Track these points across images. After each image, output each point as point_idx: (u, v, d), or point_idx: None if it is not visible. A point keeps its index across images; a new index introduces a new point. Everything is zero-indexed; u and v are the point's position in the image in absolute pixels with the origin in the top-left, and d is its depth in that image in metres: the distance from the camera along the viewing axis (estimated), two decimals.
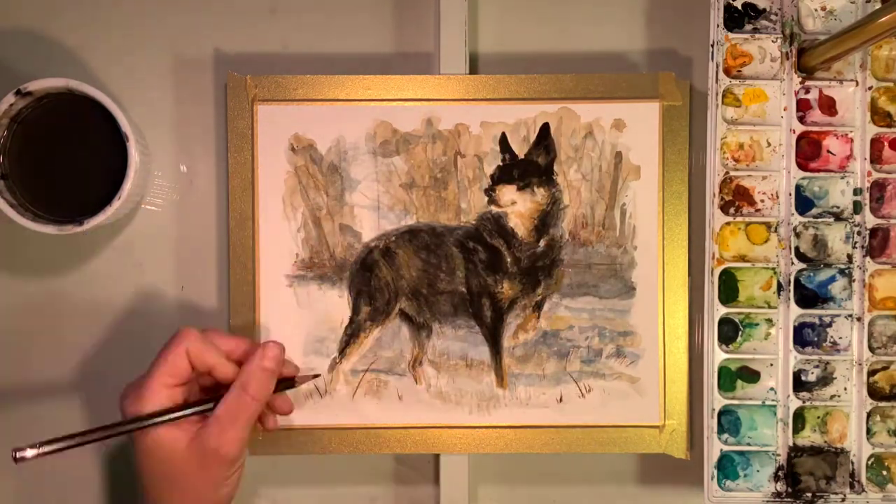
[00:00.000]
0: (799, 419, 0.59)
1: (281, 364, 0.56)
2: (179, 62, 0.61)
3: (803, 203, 0.59)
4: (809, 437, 0.59)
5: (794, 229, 0.59)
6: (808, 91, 0.59)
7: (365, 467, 0.62)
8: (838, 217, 0.59)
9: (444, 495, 0.60)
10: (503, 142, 0.60)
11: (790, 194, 0.59)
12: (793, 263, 0.59)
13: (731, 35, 0.58)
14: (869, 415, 0.59)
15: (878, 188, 0.59)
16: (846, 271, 0.59)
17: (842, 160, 0.59)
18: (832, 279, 0.59)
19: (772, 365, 0.59)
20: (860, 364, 0.59)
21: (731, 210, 0.59)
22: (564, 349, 0.60)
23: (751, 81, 0.59)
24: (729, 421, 0.59)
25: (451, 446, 0.60)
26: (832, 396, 0.59)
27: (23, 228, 0.55)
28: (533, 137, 0.60)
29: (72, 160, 0.57)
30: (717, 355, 0.59)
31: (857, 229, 0.59)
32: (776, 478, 0.59)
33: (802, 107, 0.59)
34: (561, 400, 0.60)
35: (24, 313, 0.61)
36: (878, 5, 0.58)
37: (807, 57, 0.58)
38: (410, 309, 0.60)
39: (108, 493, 0.62)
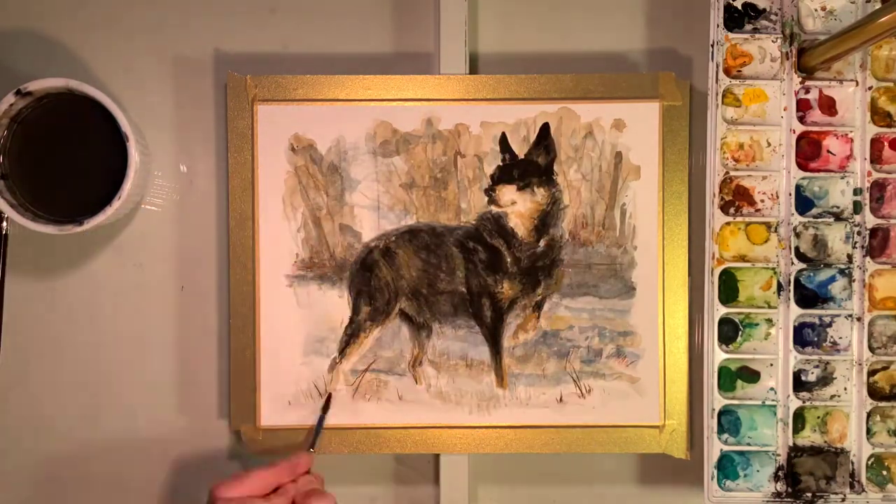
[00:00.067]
0: (799, 419, 0.59)
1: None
2: (179, 62, 0.61)
3: (803, 203, 0.59)
4: (809, 437, 0.59)
5: (794, 229, 0.59)
6: (808, 91, 0.59)
7: (365, 467, 0.62)
8: (838, 217, 0.59)
9: (444, 495, 0.60)
10: (503, 142, 0.60)
11: (790, 194, 0.59)
12: (793, 263, 0.59)
13: (731, 35, 0.58)
14: (869, 415, 0.59)
15: (878, 188, 0.59)
16: (846, 271, 0.59)
17: (842, 160, 0.59)
18: (832, 279, 0.59)
19: (772, 365, 0.59)
20: (860, 364, 0.59)
21: (731, 210, 0.59)
22: (564, 349, 0.60)
23: (751, 81, 0.59)
24: (729, 421, 0.59)
25: (451, 446, 0.60)
26: (832, 396, 0.59)
27: (23, 228, 0.55)
28: (533, 137, 0.60)
29: (72, 160, 0.57)
30: (717, 355, 0.59)
31: (857, 229, 0.59)
32: (776, 478, 0.59)
33: (802, 107, 0.59)
34: (561, 400, 0.60)
35: (24, 313, 0.61)
36: (878, 5, 0.58)
37: (807, 57, 0.58)
38: (410, 309, 0.60)
39: None
